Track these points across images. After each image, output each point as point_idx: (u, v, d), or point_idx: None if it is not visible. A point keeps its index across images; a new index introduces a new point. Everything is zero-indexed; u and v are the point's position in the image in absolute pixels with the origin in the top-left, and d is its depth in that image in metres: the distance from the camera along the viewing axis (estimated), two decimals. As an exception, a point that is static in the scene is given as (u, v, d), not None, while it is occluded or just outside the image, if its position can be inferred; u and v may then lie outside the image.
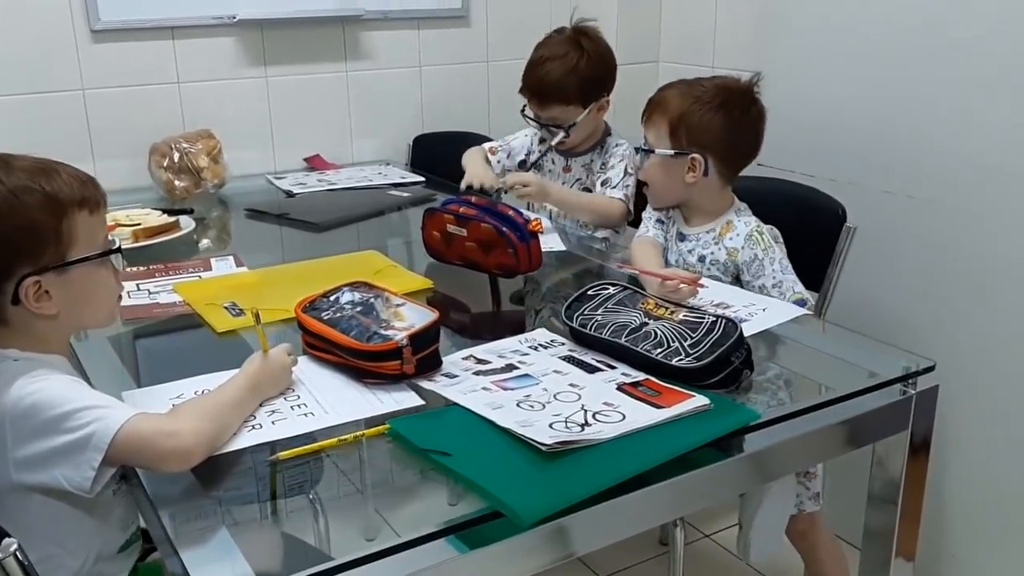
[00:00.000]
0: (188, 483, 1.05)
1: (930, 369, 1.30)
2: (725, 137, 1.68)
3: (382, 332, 1.27)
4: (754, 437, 1.15)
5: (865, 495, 1.36)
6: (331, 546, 1.05)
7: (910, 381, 1.30)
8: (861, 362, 1.38)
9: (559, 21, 2.19)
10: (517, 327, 1.48)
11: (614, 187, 2.06)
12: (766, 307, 1.50)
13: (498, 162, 2.23)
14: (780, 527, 1.63)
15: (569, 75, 2.02)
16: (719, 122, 1.67)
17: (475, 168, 2.12)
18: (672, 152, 1.70)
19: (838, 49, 2.10)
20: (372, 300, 1.37)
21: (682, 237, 1.78)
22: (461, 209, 1.70)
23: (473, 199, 1.75)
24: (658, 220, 1.83)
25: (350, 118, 2.68)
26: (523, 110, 2.14)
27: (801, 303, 1.59)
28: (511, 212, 1.68)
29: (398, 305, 1.35)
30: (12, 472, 1.07)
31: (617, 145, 2.11)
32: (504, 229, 1.64)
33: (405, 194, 2.33)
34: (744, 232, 1.69)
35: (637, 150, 1.81)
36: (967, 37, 1.84)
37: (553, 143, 2.08)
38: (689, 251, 1.76)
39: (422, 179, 2.47)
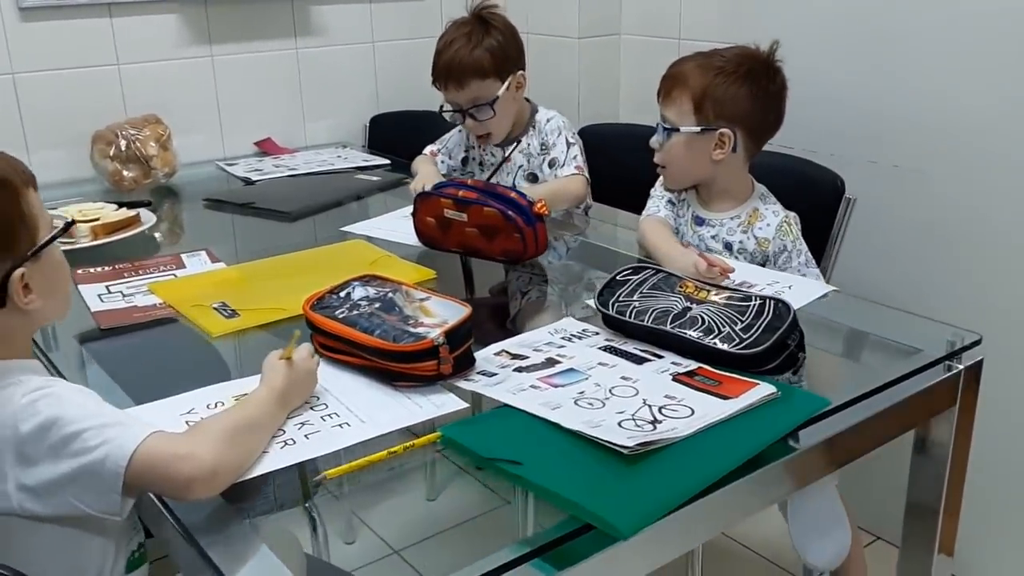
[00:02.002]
0: (219, 506, 0.94)
1: (977, 343, 1.26)
2: (752, 109, 1.59)
3: (411, 330, 1.16)
4: (819, 426, 1.09)
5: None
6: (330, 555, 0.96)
7: (955, 356, 1.26)
8: (901, 338, 1.33)
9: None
10: (538, 317, 1.39)
11: (563, 165, 1.98)
12: (791, 284, 1.45)
13: (442, 163, 2.14)
14: (838, 532, 1.57)
15: (477, 48, 1.94)
16: (745, 93, 1.58)
17: (425, 172, 2.04)
18: (699, 128, 1.60)
19: (813, 18, 2.06)
20: (391, 295, 1.25)
21: (700, 221, 1.69)
22: (460, 193, 1.59)
23: (469, 181, 1.65)
24: (669, 201, 1.73)
25: (302, 98, 2.53)
26: (441, 109, 2.03)
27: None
28: (513, 194, 1.59)
29: (422, 299, 1.24)
30: (14, 500, 0.94)
31: (548, 120, 2.03)
32: (510, 212, 1.54)
33: (374, 178, 2.20)
34: (775, 222, 1.61)
35: (662, 130, 1.66)
36: (950, 7, 1.82)
37: (485, 145, 1.96)
38: (712, 236, 1.66)
39: (387, 162, 2.34)
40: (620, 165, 2.07)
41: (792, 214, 1.64)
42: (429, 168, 2.08)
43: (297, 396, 1.09)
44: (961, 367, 1.24)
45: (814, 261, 1.61)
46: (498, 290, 1.64)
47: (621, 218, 2.16)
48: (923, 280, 1.91)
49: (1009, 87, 1.76)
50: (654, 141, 1.67)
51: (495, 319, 1.49)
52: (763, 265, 1.61)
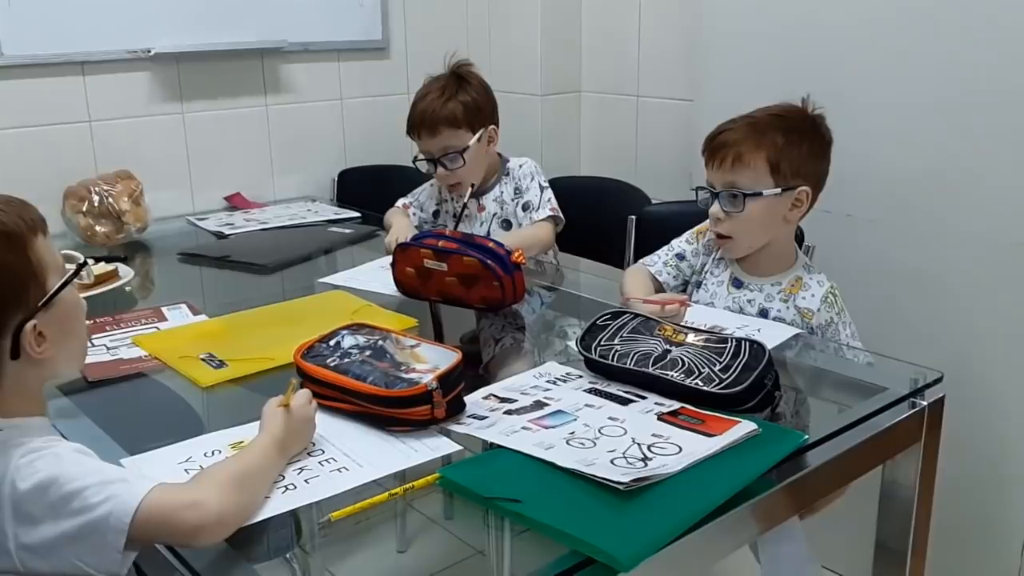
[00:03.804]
0: (222, 551, 0.95)
1: (939, 380, 1.33)
2: (818, 165, 1.58)
3: (404, 376, 1.20)
4: (796, 462, 1.14)
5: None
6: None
7: (919, 394, 1.33)
8: (866, 377, 1.40)
9: (477, 51, 2.19)
10: (520, 362, 1.44)
11: (537, 208, 2.06)
12: (760, 327, 1.51)
13: (414, 215, 2.20)
14: (810, 562, 1.61)
15: (451, 101, 2.03)
16: (810, 149, 1.57)
17: (399, 224, 2.09)
18: (779, 190, 1.55)
19: (768, 76, 2.16)
20: (380, 342, 1.29)
21: (738, 284, 1.65)
22: (440, 243, 1.64)
23: (448, 231, 1.70)
24: (678, 255, 1.73)
25: (271, 154, 2.57)
26: (415, 160, 2.09)
27: None
28: (491, 244, 1.64)
29: (413, 346, 1.27)
30: (16, 559, 0.93)
31: (521, 166, 2.11)
32: (489, 261, 1.59)
33: (346, 231, 2.24)
34: (820, 293, 1.58)
35: (729, 197, 1.57)
36: (900, 59, 1.93)
37: (465, 199, 1.99)
38: (748, 301, 1.63)
39: (358, 215, 2.38)
40: (582, 216, 2.15)
41: (835, 285, 1.62)
42: (402, 221, 2.13)
43: (297, 443, 1.11)
44: (925, 403, 1.31)
45: (856, 332, 1.60)
46: (479, 337, 1.68)
47: (584, 265, 2.23)
48: (883, 322, 1.98)
49: (951, 139, 1.87)
50: (716, 211, 1.59)
51: (478, 365, 1.53)
52: None
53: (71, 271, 1.06)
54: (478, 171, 2.06)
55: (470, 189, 1.98)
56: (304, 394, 1.15)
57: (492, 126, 2.06)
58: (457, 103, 2.01)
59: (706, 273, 1.72)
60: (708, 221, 1.65)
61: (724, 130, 1.61)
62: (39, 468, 0.93)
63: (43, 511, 0.92)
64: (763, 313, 1.62)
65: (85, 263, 1.10)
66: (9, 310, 0.98)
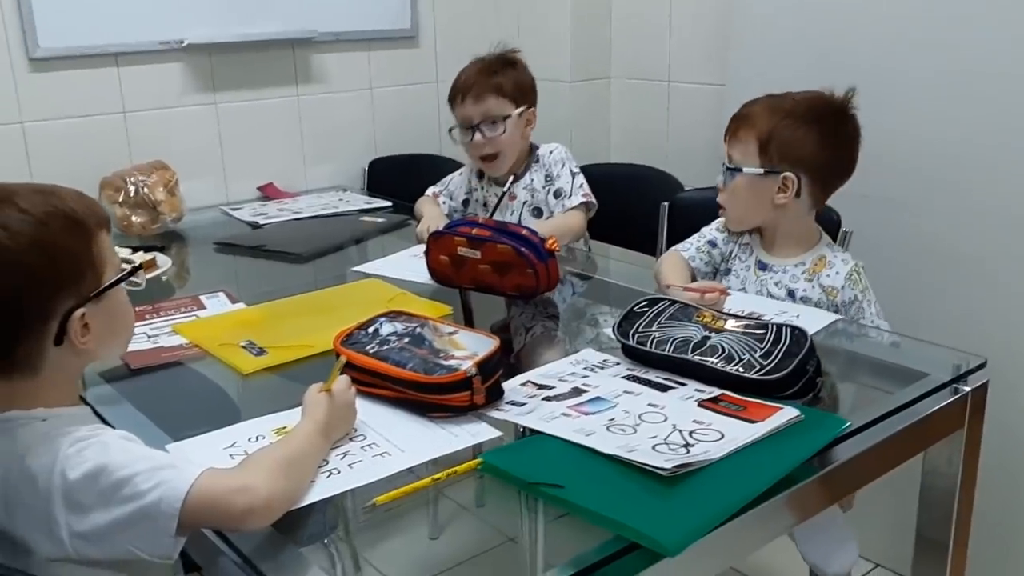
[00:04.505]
0: (269, 535, 0.96)
1: (982, 366, 1.31)
2: (818, 154, 1.56)
3: (443, 363, 1.20)
4: (839, 449, 1.13)
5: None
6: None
7: (961, 380, 1.31)
8: (908, 363, 1.39)
9: (506, 38, 2.17)
10: (555, 349, 1.43)
11: (569, 196, 2.05)
12: (799, 314, 1.50)
13: (443, 203, 2.20)
14: (849, 545, 1.61)
15: (499, 74, 2.06)
16: (812, 138, 1.55)
17: (430, 213, 2.10)
18: (763, 171, 1.57)
19: (800, 58, 2.14)
20: (419, 330, 1.29)
21: (763, 266, 1.66)
22: (474, 231, 1.64)
23: (480, 219, 1.70)
24: (710, 242, 1.73)
25: (303, 144, 2.58)
26: (451, 130, 2.09)
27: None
28: (525, 232, 1.64)
29: (451, 333, 1.28)
30: (69, 547, 0.94)
31: (551, 152, 2.11)
32: (523, 249, 1.59)
33: (378, 219, 2.25)
34: (844, 271, 1.58)
35: (725, 170, 1.64)
36: (936, 42, 1.90)
37: (506, 189, 2.00)
38: (775, 283, 1.63)
39: (389, 204, 2.39)
40: (613, 203, 2.14)
41: (860, 263, 1.62)
42: (433, 210, 2.13)
43: (339, 427, 1.12)
44: (968, 389, 1.30)
45: (881, 311, 1.59)
46: (513, 325, 1.68)
47: (616, 252, 2.22)
48: (925, 307, 1.97)
49: (992, 121, 1.84)
50: (718, 180, 1.66)
51: (513, 352, 1.53)
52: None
53: (125, 270, 1.08)
54: (514, 148, 2.06)
55: (511, 180, 2.00)
56: (344, 380, 1.16)
57: (532, 108, 2.08)
58: (506, 76, 2.05)
59: (733, 259, 1.73)
60: None
61: (744, 105, 1.65)
62: (88, 457, 0.94)
63: (94, 499, 0.93)
64: (791, 293, 1.62)
65: (141, 266, 1.11)
66: (63, 294, 0.99)
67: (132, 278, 1.09)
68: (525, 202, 2.10)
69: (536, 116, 2.10)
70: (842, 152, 1.59)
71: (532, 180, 2.10)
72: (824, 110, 1.58)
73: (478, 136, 2.02)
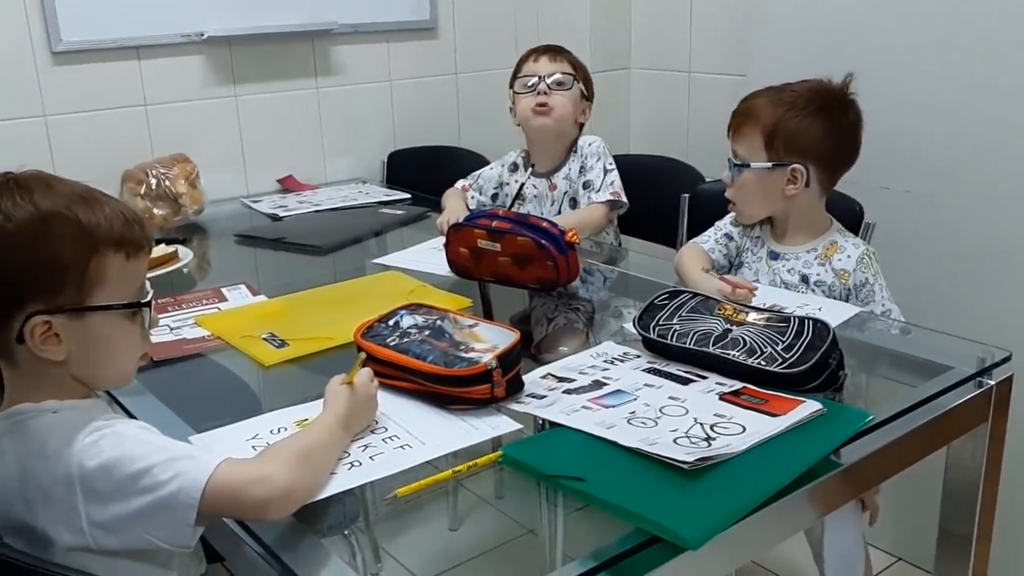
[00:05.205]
0: (290, 525, 0.97)
1: (1007, 359, 1.30)
2: (824, 143, 1.57)
3: (463, 355, 1.20)
4: (861, 443, 1.12)
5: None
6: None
7: (986, 373, 1.30)
8: (931, 356, 1.37)
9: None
10: (575, 342, 1.43)
11: (598, 190, 2.04)
12: (821, 307, 1.49)
13: (472, 197, 2.20)
14: (857, 542, 1.60)
15: (572, 55, 2.14)
16: (817, 128, 1.56)
17: (452, 206, 2.11)
18: (770, 164, 1.58)
19: (823, 49, 2.12)
20: (439, 322, 1.29)
21: (775, 255, 1.67)
22: (494, 223, 1.64)
23: (500, 212, 1.70)
24: (726, 235, 1.74)
25: (322, 136, 2.58)
26: (513, 82, 2.12)
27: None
28: (545, 224, 1.63)
29: (471, 326, 1.28)
30: (89, 537, 0.95)
31: (590, 144, 2.11)
32: (543, 241, 1.59)
33: (398, 212, 2.25)
34: (855, 254, 1.59)
35: (732, 166, 1.65)
36: (957, 33, 1.88)
37: (541, 123, 2.06)
38: (788, 270, 1.64)
39: (408, 196, 2.39)
40: (632, 195, 2.13)
41: (871, 248, 1.63)
42: (455, 202, 2.13)
43: (360, 420, 1.12)
44: (992, 383, 1.28)
45: (891, 296, 1.60)
46: (533, 317, 1.68)
47: (636, 244, 2.22)
48: (947, 299, 1.95)
49: (1011, 112, 1.82)
50: (725, 176, 1.67)
51: (533, 345, 1.53)
52: (845, 299, 1.60)
53: (121, 303, 1.01)
54: (567, 118, 2.08)
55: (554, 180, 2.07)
56: (367, 372, 1.16)
57: (590, 103, 2.12)
58: (577, 60, 2.13)
59: (745, 252, 1.74)
60: None
61: (743, 100, 1.66)
62: (104, 447, 0.94)
63: (112, 489, 0.93)
64: (804, 279, 1.63)
65: (148, 303, 1.03)
66: (35, 293, 0.96)
67: (147, 311, 1.04)
68: (565, 192, 2.11)
69: (590, 112, 2.14)
70: (846, 138, 1.60)
71: (570, 171, 2.11)
72: (826, 98, 1.59)
73: (542, 85, 2.05)
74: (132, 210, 1.05)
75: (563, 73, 2.06)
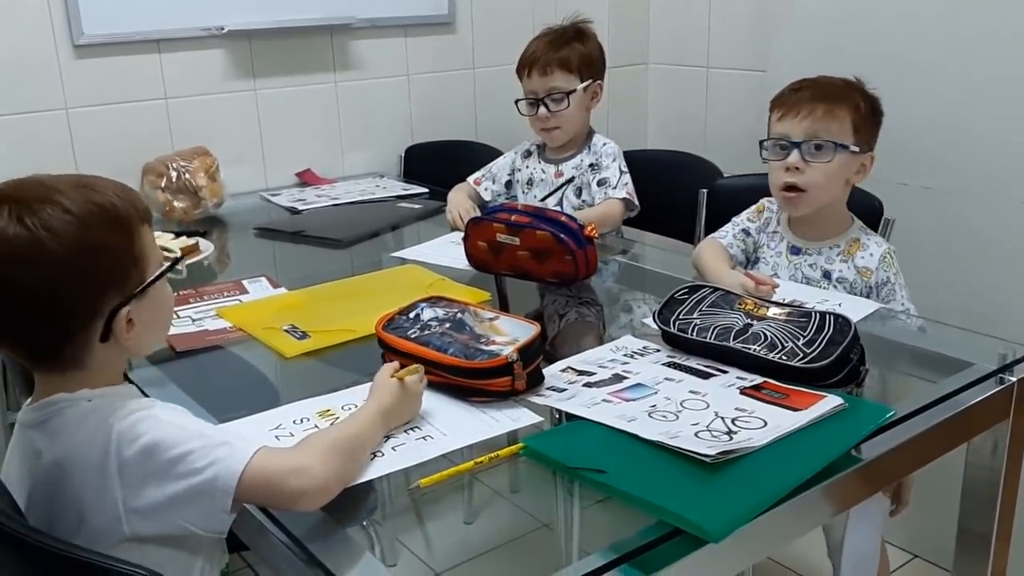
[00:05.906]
0: (315, 516, 0.98)
1: (1030, 356, 1.30)
2: (875, 139, 1.61)
3: (484, 348, 1.21)
4: (882, 438, 1.12)
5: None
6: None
7: (1007, 369, 1.29)
8: (952, 352, 1.37)
9: (542, 24, 2.17)
10: (594, 336, 1.44)
11: (614, 187, 2.05)
12: (841, 302, 1.49)
13: (486, 190, 2.20)
14: (875, 543, 1.60)
15: (567, 47, 2.08)
16: (877, 123, 1.60)
17: (456, 201, 2.12)
18: (859, 149, 1.56)
19: (838, 46, 2.11)
20: (459, 315, 1.30)
21: (796, 251, 1.66)
22: (512, 217, 1.64)
23: (519, 206, 1.70)
24: (743, 230, 1.74)
25: (340, 130, 2.59)
26: (517, 101, 2.11)
27: None
28: (564, 218, 1.64)
29: (491, 319, 1.28)
30: (124, 524, 0.96)
31: (604, 144, 2.11)
32: (562, 236, 1.59)
33: (416, 206, 2.25)
34: (878, 253, 1.60)
35: (813, 147, 1.56)
36: (976, 29, 1.87)
37: (550, 140, 2.06)
38: (810, 265, 1.64)
39: (426, 190, 2.40)
40: (651, 190, 2.13)
41: (892, 247, 1.63)
42: (460, 197, 2.14)
43: (401, 416, 1.12)
44: (1014, 380, 1.28)
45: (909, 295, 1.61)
46: (552, 311, 1.68)
47: (654, 239, 2.21)
48: (968, 296, 1.94)
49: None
50: (796, 160, 1.56)
51: (551, 339, 1.53)
52: (866, 296, 1.60)
53: (167, 264, 1.07)
54: (577, 121, 2.08)
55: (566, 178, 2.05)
56: (418, 370, 1.16)
57: (599, 81, 2.09)
58: (573, 49, 2.06)
59: (762, 247, 1.74)
60: (775, 177, 1.62)
61: (805, 85, 1.62)
62: (141, 431, 0.95)
63: (149, 475, 0.94)
64: (826, 275, 1.63)
65: (181, 258, 1.11)
66: (109, 292, 0.99)
67: (175, 269, 1.10)
68: (571, 179, 2.11)
69: (603, 89, 2.12)
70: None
71: (581, 161, 2.11)
72: (871, 96, 1.62)
73: (543, 110, 2.05)
74: (120, 184, 1.05)
75: (557, 89, 2.03)
